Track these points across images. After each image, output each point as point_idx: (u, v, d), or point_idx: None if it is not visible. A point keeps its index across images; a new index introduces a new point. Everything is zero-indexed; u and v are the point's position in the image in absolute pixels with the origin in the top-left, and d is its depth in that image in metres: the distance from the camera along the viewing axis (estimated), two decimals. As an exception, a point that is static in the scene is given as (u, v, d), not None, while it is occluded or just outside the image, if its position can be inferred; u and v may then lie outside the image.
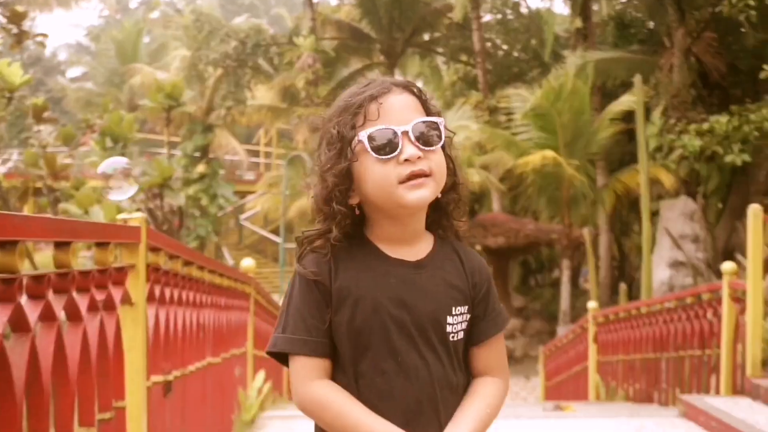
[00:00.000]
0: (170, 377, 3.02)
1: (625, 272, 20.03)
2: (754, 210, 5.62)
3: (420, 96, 1.60)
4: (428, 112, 1.59)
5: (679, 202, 14.62)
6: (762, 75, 12.37)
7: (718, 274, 13.11)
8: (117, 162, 2.01)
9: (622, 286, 13.72)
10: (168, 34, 30.93)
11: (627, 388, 7.92)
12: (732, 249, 14.78)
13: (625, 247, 20.66)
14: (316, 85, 21.55)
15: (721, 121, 13.83)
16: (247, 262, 5.88)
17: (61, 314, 1.92)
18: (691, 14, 15.20)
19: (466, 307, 1.59)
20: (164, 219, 11.36)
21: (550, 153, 14.73)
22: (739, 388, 5.67)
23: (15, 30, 10.85)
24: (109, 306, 2.29)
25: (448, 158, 1.60)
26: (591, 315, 9.04)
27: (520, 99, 16.44)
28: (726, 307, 5.83)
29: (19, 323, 1.65)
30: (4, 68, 7.90)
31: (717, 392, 5.95)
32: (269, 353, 1.59)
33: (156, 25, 37.18)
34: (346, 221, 1.55)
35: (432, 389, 1.54)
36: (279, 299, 11.31)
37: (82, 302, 2.04)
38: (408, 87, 1.59)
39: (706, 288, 6.64)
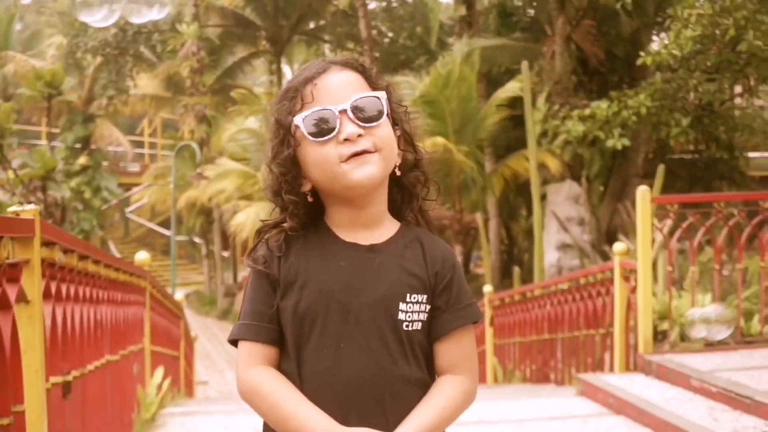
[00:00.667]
0: (69, 378, 2.86)
1: (513, 256, 20.50)
2: (642, 192, 5.80)
3: (364, 72, 1.54)
4: (374, 87, 1.53)
5: (564, 185, 15.04)
6: (638, 61, 12.83)
7: (603, 255, 13.60)
8: None
9: (516, 270, 14.03)
10: (42, 21, 29.60)
11: (524, 369, 8.10)
12: (614, 230, 15.35)
13: (513, 232, 21.14)
14: (201, 73, 21.13)
15: (601, 106, 14.26)
16: (142, 256, 5.68)
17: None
18: (570, 2, 15.62)
19: (425, 296, 1.50)
20: (47, 213, 10.88)
21: (440, 140, 14.88)
22: (632, 365, 5.86)
23: None
24: (4, 304, 2.14)
25: (404, 133, 1.55)
26: (487, 299, 9.19)
27: (409, 86, 16.51)
28: (618, 287, 6.01)
29: None
30: None
31: (612, 370, 6.13)
32: (230, 342, 1.56)
33: (29, 11, 35.53)
34: (299, 210, 1.51)
35: (377, 378, 1.45)
36: (172, 294, 11.02)
37: (-24, 301, 1.89)
38: (348, 64, 1.53)
39: (599, 268, 6.85)
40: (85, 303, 3.23)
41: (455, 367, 1.53)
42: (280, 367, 1.49)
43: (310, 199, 1.52)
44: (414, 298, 1.49)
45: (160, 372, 5.48)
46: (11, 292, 2.20)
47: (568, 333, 6.97)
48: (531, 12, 18.37)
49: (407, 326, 1.48)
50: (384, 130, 1.50)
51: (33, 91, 10.94)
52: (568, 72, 15.48)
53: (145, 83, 24.23)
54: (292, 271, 1.49)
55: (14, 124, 9.79)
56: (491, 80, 17.83)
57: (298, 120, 1.48)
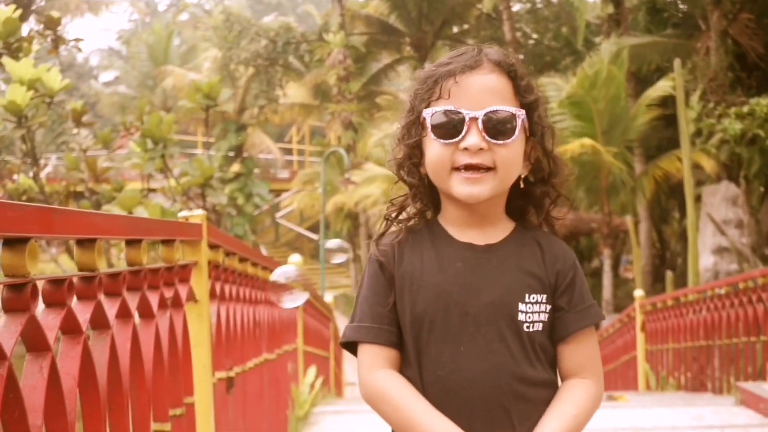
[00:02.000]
0: (232, 373, 3.01)
1: (665, 260, 19.80)
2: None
3: (515, 78, 1.45)
4: (521, 98, 1.45)
5: (721, 187, 14.39)
6: (803, 55, 12.14)
7: (764, 259, 12.92)
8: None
9: (669, 274, 13.54)
10: (198, 36, 31.07)
11: (678, 376, 7.81)
12: (777, 233, 14.56)
13: (665, 235, 20.43)
14: (347, 80, 21.57)
15: (761, 103, 13.58)
16: (295, 258, 5.88)
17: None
18: (726, -4, 14.96)
19: (545, 296, 1.45)
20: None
21: (587, 141, 14.58)
22: (796, 374, 5.56)
23: (51, 36, 10.96)
24: (177, 303, 2.29)
25: (543, 148, 1.49)
26: (638, 303, 8.92)
27: (555, 88, 16.29)
28: (780, 291, 5.71)
29: (99, 321, 1.64)
30: (43, 74, 7.95)
31: (773, 378, 5.83)
32: (341, 345, 1.54)
33: (186, 27, 37.45)
34: (420, 192, 1.49)
35: (499, 381, 1.40)
36: (321, 296, 11.30)
37: (153, 299, 2.03)
38: (501, 65, 1.45)
39: (760, 272, 6.51)
40: (245, 303, 3.39)
41: (581, 370, 1.47)
42: (402, 372, 1.46)
43: (426, 182, 1.49)
44: (533, 298, 1.44)
45: (312, 371, 5.65)
46: (183, 292, 2.35)
47: (726, 340, 6.66)
48: (683, 7, 17.70)
49: (528, 327, 1.43)
50: (511, 150, 1.43)
51: (193, 103, 11.52)
52: (724, 68, 14.82)
53: (293, 92, 24.98)
54: (408, 270, 1.45)
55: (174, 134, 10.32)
56: (641, 79, 17.31)
57: (427, 113, 1.44)
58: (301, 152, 31.21)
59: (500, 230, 1.49)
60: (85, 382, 1.55)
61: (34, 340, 1.35)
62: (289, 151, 31.26)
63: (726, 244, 13.78)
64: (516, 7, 22.73)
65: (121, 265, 4.15)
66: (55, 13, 11.98)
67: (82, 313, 1.54)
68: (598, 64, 15.29)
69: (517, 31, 21.75)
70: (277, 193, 26.60)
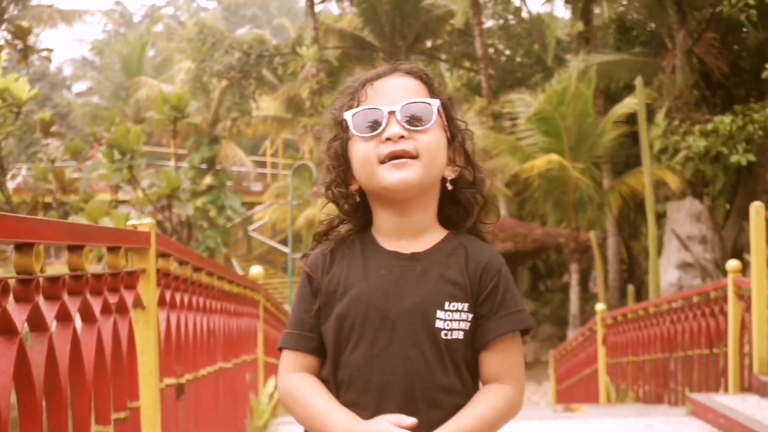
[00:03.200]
0: (182, 380, 3.06)
1: (634, 275, 20.02)
2: (755, 208, 5.63)
3: (427, 81, 1.55)
4: (435, 96, 1.54)
5: (685, 203, 14.63)
6: (764, 74, 12.39)
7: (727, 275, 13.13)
8: None
9: (630, 288, 13.72)
10: (172, 47, 31.07)
11: (637, 389, 7.94)
12: (741, 249, 14.77)
13: (634, 250, 20.65)
14: (321, 94, 21.64)
15: (725, 121, 13.84)
16: (256, 270, 5.94)
17: (76, 316, 1.97)
18: (692, 15, 15.23)
19: (466, 304, 1.47)
20: (173, 230, 11.44)
21: (555, 157, 14.77)
22: (746, 386, 5.69)
23: (20, 46, 10.97)
24: (122, 309, 2.35)
25: (463, 150, 1.55)
26: (599, 317, 9.06)
27: (524, 104, 16.49)
28: (732, 305, 5.85)
29: (37, 323, 1.70)
30: (11, 84, 7.97)
31: (726, 390, 5.96)
32: (279, 350, 1.60)
33: (160, 38, 37.41)
34: (349, 205, 1.55)
35: (411, 387, 1.44)
36: (289, 309, 11.33)
37: (95, 304, 2.10)
38: (412, 71, 1.56)
39: (712, 287, 6.67)
40: (199, 312, 3.45)
41: (500, 377, 1.49)
42: (319, 374, 1.52)
43: (357, 198, 1.54)
44: (454, 306, 1.47)
45: (272, 382, 5.70)
46: (128, 298, 2.41)
47: (681, 353, 6.81)
48: (651, 26, 17.99)
49: (446, 334, 1.46)
50: (430, 137, 1.49)
51: (160, 115, 11.56)
52: (689, 86, 15.08)
53: (267, 105, 25.02)
54: (335, 280, 1.50)
55: (144, 145, 10.34)
56: (609, 96, 17.57)
57: (347, 115, 1.51)
58: (274, 165, 31.23)
59: (430, 238, 1.53)
60: (21, 381, 1.61)
61: (-34, 339, 1.41)
62: (262, 164, 31.27)
63: (690, 260, 14.00)
64: (488, 23, 22.97)
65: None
66: (25, 24, 11.98)
67: (19, 314, 1.61)
68: (567, 81, 15.50)
69: (489, 47, 21.98)
70: (250, 206, 26.56)
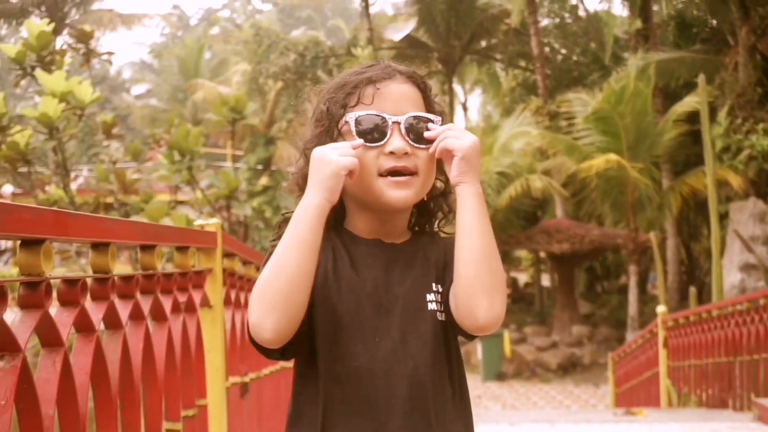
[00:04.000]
0: (247, 379, 3.09)
1: (694, 277, 19.65)
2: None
3: (424, 90, 1.51)
4: (429, 108, 1.50)
5: (748, 203, 14.28)
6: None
7: (791, 277, 12.79)
8: None
9: (692, 290, 13.46)
10: (228, 49, 31.46)
11: (700, 393, 7.78)
12: (805, 250, 14.39)
13: (695, 251, 20.27)
14: (376, 95, 21.64)
15: (790, 119, 13.52)
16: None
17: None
18: (755, 11, 14.88)
19: (440, 285, 1.45)
20: (231, 231, 11.57)
21: (613, 156, 14.56)
22: (817, 390, 5.53)
23: (83, 49, 11.20)
24: (191, 307, 2.37)
25: (439, 166, 1.48)
26: (660, 319, 8.89)
27: (581, 103, 16.29)
28: (801, 308, 5.70)
29: (112, 321, 1.73)
30: (74, 87, 8.14)
31: (794, 395, 5.81)
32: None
33: (216, 41, 37.86)
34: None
35: (416, 372, 1.39)
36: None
37: (166, 303, 2.12)
38: (412, 78, 1.50)
39: (780, 288, 6.50)
40: (262, 311, 3.47)
41: None
42: (309, 369, 1.43)
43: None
44: (437, 287, 1.45)
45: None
46: (197, 297, 2.44)
47: (747, 356, 6.64)
48: (712, 22, 17.64)
49: (440, 315, 1.44)
50: (430, 156, 1.44)
51: (219, 116, 11.70)
52: (752, 83, 14.74)
53: (322, 106, 25.15)
54: (321, 272, 1.42)
55: (202, 147, 10.47)
56: (669, 95, 17.26)
57: (350, 117, 1.43)
58: (329, 166, 31.38)
59: (403, 237, 1.52)
60: (98, 378, 1.64)
61: (48, 336, 1.44)
62: (317, 165, 31.43)
63: (753, 261, 13.67)
64: (544, 22, 22.74)
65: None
66: (87, 27, 12.23)
67: (95, 312, 1.63)
68: (625, 80, 15.27)
69: (545, 46, 21.77)
70: (305, 206, 26.73)
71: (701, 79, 12.28)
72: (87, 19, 25.56)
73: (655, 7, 18.76)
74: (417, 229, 1.56)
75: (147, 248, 1.98)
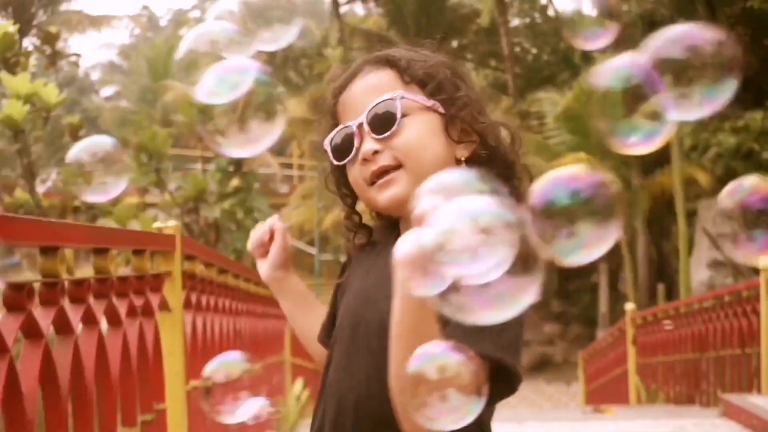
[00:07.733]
0: (209, 382, 3.06)
1: (664, 274, 19.82)
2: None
3: (396, 65, 1.35)
4: (408, 77, 1.34)
5: (716, 201, 14.45)
6: (796, 70, 12.21)
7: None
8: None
9: (660, 287, 13.58)
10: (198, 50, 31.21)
11: (668, 390, 7.85)
12: (773, 247, 14.57)
13: (665, 249, 20.44)
14: (347, 95, 21.64)
15: (756, 117, 13.67)
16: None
17: (102, 319, 1.97)
18: (721, 10, 15.06)
19: None
20: (201, 233, 11.49)
21: (582, 156, 14.66)
22: (780, 386, 5.60)
23: (49, 51, 11.08)
24: (148, 311, 2.35)
25: (462, 122, 1.33)
26: (629, 317, 8.96)
27: (551, 102, 16.40)
28: (764, 304, 5.75)
29: (62, 325, 1.70)
30: (40, 88, 8.04)
31: (758, 391, 5.87)
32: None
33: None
34: (363, 236, 1.44)
35: (385, 389, 1.15)
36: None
37: (121, 307, 2.10)
38: (378, 61, 1.37)
39: (744, 285, 6.57)
40: (225, 314, 3.45)
41: None
42: None
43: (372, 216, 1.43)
44: None
45: (299, 383, 5.70)
46: (154, 301, 2.42)
47: (713, 353, 6.71)
48: (680, 22, 17.80)
49: None
50: (402, 136, 1.30)
51: (187, 117, 11.63)
52: (719, 82, 14.89)
53: (293, 107, 25.08)
54: (343, 283, 1.43)
55: (171, 149, 10.39)
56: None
57: (326, 145, 1.38)
58: (301, 167, 31.31)
59: None
60: (47, 384, 1.61)
61: (-9, 343, 1.42)
62: (289, 166, 31.37)
63: (722, 259, 13.83)
64: (515, 22, 22.87)
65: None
66: (53, 29, 12.10)
67: (44, 317, 1.61)
68: (594, 79, 15.36)
69: (516, 46, 21.88)
70: (277, 207, 26.64)
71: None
72: (55, 21, 25.29)
73: (624, 7, 18.91)
74: None
75: (100, 252, 1.95)
